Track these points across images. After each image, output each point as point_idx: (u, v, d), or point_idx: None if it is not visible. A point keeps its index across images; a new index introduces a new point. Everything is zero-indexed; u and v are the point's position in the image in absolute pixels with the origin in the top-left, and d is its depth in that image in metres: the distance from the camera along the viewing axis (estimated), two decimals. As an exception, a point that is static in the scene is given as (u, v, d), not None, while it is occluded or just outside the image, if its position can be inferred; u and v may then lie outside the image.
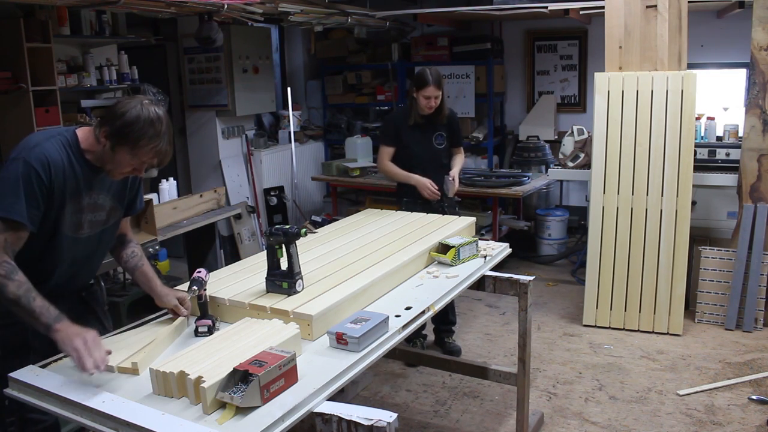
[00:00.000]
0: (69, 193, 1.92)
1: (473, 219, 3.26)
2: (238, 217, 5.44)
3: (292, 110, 6.35)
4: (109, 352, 1.79)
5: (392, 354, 3.02)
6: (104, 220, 2.09)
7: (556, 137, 5.94)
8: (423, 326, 3.57)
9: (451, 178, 3.73)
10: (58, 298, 1.88)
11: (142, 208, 2.33)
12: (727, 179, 4.40)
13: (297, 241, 2.17)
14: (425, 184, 3.63)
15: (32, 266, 1.94)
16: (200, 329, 2.05)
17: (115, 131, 1.84)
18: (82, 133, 1.97)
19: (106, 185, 2.03)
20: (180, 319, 2.08)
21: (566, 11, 5.02)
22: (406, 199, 3.75)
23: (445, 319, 3.91)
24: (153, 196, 4.21)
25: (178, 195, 4.66)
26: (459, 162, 3.87)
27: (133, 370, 1.80)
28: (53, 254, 2.00)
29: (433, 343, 4.06)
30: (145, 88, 4.69)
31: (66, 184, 1.90)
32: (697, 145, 4.49)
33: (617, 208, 4.21)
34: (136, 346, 1.93)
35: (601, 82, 4.23)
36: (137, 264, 2.23)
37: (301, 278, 2.19)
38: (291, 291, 2.15)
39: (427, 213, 3.35)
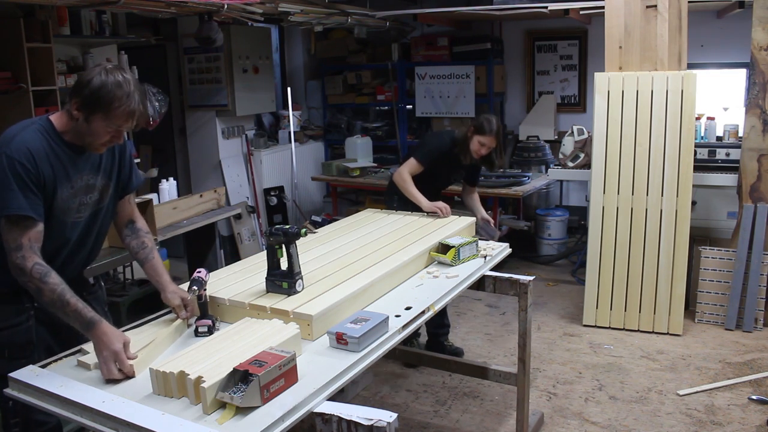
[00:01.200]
0: (58, 178, 1.91)
1: (473, 219, 3.26)
2: (238, 217, 5.44)
3: (292, 110, 6.35)
4: (135, 357, 1.82)
5: (392, 354, 3.03)
6: (98, 199, 2.07)
7: (556, 137, 5.95)
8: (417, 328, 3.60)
9: (491, 222, 3.73)
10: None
11: (141, 183, 2.28)
12: (727, 179, 4.40)
13: (297, 241, 2.17)
14: (435, 207, 3.36)
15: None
16: (200, 329, 2.04)
17: (85, 100, 1.83)
18: (55, 117, 1.95)
19: (93, 164, 2.01)
20: (179, 321, 2.08)
21: (566, 11, 5.02)
22: (396, 205, 3.65)
23: (440, 323, 3.86)
24: (153, 196, 4.21)
25: (178, 195, 4.66)
26: (478, 201, 3.88)
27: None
28: (50, 242, 1.96)
29: (426, 347, 3.97)
30: (145, 89, 4.69)
31: (53, 169, 1.89)
32: (697, 145, 4.49)
33: (617, 208, 4.21)
34: (134, 347, 1.93)
35: (601, 82, 4.23)
36: (147, 257, 2.20)
37: (301, 278, 2.19)
38: (291, 291, 2.15)
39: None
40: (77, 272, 2.16)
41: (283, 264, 2.18)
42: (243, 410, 1.57)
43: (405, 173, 3.57)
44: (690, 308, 4.37)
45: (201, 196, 4.56)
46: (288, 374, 1.66)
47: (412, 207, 3.48)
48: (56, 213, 1.94)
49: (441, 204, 3.35)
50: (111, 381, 1.76)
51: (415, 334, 3.95)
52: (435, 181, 3.70)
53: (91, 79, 1.82)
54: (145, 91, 1.97)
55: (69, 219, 2.00)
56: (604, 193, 4.25)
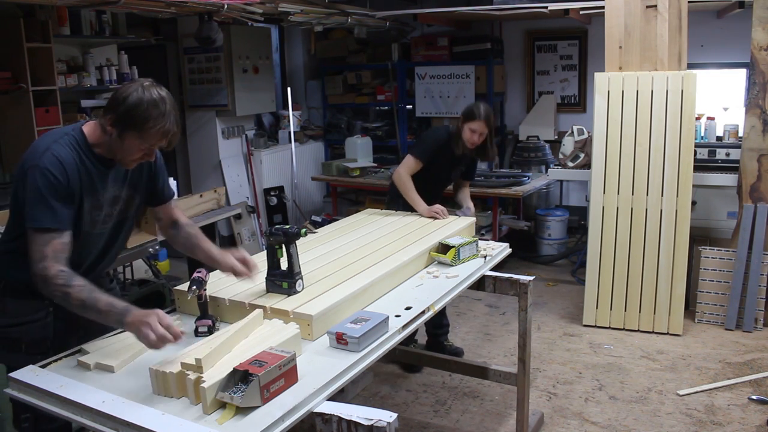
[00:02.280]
0: (86, 190, 1.92)
1: (473, 219, 3.26)
2: (238, 217, 5.44)
3: (292, 110, 6.35)
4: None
5: (392, 354, 3.03)
6: (122, 209, 2.08)
7: (556, 137, 5.95)
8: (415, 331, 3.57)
9: (471, 211, 3.61)
10: None
11: (173, 194, 2.31)
12: (727, 179, 4.40)
13: (297, 241, 2.17)
14: (432, 212, 3.30)
15: None
16: (200, 329, 2.05)
17: (120, 117, 1.83)
18: (88, 128, 1.96)
19: (120, 176, 2.02)
20: (249, 317, 2.01)
21: (566, 11, 5.02)
22: (401, 208, 3.58)
23: (439, 323, 3.84)
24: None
25: (178, 195, 4.66)
26: (468, 194, 3.79)
27: (108, 367, 1.80)
28: (74, 251, 1.97)
29: (426, 348, 3.93)
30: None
31: (82, 182, 1.90)
32: (697, 145, 4.49)
33: (617, 208, 4.21)
34: (136, 347, 1.92)
35: (601, 82, 4.23)
36: (194, 243, 2.21)
37: (301, 278, 2.19)
38: (291, 291, 2.15)
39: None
40: (98, 278, 2.19)
41: (283, 264, 2.18)
42: (243, 410, 1.57)
43: (404, 174, 3.49)
44: (690, 308, 4.37)
45: (201, 196, 4.56)
46: (288, 374, 1.66)
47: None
48: (82, 225, 1.96)
49: (438, 208, 3.30)
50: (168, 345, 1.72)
51: (411, 338, 3.90)
52: (436, 180, 3.64)
53: (127, 96, 1.82)
54: (177, 109, 1.95)
55: (94, 230, 2.02)
56: (604, 193, 4.25)
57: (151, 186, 2.17)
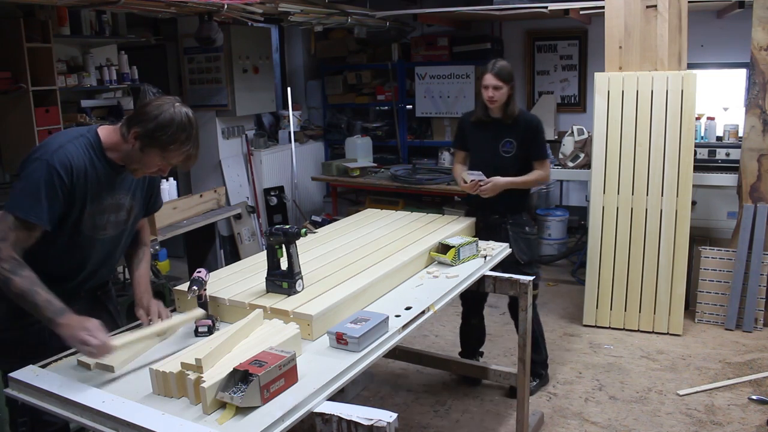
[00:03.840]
0: (90, 195, 1.93)
1: (473, 219, 3.26)
2: (238, 217, 5.44)
3: (292, 110, 6.35)
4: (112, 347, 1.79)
5: (392, 355, 3.03)
6: (125, 219, 2.10)
7: (556, 137, 5.94)
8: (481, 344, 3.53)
9: (480, 179, 3.19)
10: (76, 298, 1.88)
11: (161, 206, 2.34)
12: (727, 179, 4.40)
13: (297, 241, 2.17)
14: (469, 184, 3.17)
15: (56, 267, 1.96)
16: (200, 329, 2.05)
17: (147, 133, 1.84)
18: (104, 131, 1.96)
19: (126, 184, 2.04)
20: (161, 325, 2.04)
21: (566, 11, 5.02)
22: (468, 208, 3.48)
23: (481, 339, 3.76)
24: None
25: (178, 195, 4.66)
26: (528, 176, 3.27)
27: (109, 367, 1.80)
28: (75, 255, 2.01)
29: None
30: (145, 88, 4.69)
31: (87, 186, 1.91)
32: (697, 145, 4.49)
33: (617, 208, 4.21)
34: (136, 347, 1.93)
35: (601, 82, 4.23)
36: (135, 266, 2.25)
37: (301, 278, 2.19)
38: (291, 291, 2.15)
39: (486, 231, 3.20)
40: (100, 283, 2.21)
41: (283, 264, 2.18)
42: (243, 410, 1.57)
43: (454, 166, 3.53)
44: (690, 308, 4.37)
45: (201, 196, 4.56)
46: (288, 374, 1.66)
47: (480, 225, 3.28)
48: (82, 228, 1.97)
49: (471, 177, 3.17)
50: (102, 358, 1.75)
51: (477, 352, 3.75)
52: (480, 159, 3.34)
53: (159, 114, 1.83)
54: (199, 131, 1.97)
55: (96, 235, 2.03)
56: (604, 193, 4.25)
57: (147, 196, 2.19)
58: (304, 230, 2.17)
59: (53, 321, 1.77)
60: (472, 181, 3.20)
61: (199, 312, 2.06)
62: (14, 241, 1.80)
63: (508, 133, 3.27)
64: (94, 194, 1.94)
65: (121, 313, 2.37)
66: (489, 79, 3.18)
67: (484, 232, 3.22)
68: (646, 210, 4.15)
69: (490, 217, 3.32)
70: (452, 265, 2.65)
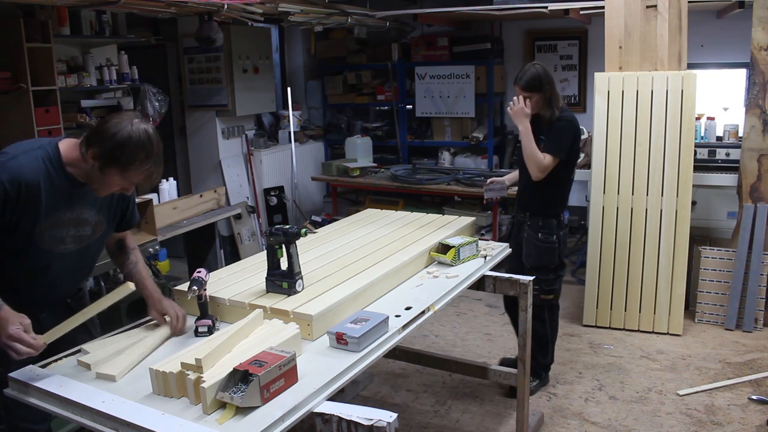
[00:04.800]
0: (44, 208, 1.88)
1: (473, 219, 3.26)
2: (238, 217, 5.44)
3: (292, 110, 6.35)
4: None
5: (392, 355, 3.03)
6: (89, 234, 2.06)
7: (556, 137, 5.94)
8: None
9: (498, 183, 3.39)
10: (41, 308, 1.86)
11: (138, 222, 2.30)
12: (727, 179, 4.40)
13: (297, 241, 2.17)
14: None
15: (16, 276, 1.94)
16: (200, 329, 2.05)
17: (105, 153, 1.80)
18: (64, 146, 1.91)
19: (90, 199, 1.99)
20: (162, 330, 2.05)
21: (566, 11, 5.02)
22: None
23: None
24: (153, 196, 4.20)
25: (178, 195, 4.66)
26: (534, 146, 3.19)
27: (110, 377, 1.79)
28: (33, 266, 1.97)
29: None
30: (145, 88, 4.69)
31: (40, 199, 1.86)
32: (697, 145, 4.49)
33: (617, 208, 4.21)
34: (136, 352, 1.92)
35: (601, 82, 4.22)
36: (132, 270, 2.23)
37: (301, 278, 2.19)
38: (291, 291, 2.15)
39: (514, 228, 3.29)
40: (68, 292, 2.19)
41: (283, 264, 2.18)
42: (243, 410, 1.57)
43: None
44: (690, 308, 4.37)
45: (201, 196, 4.56)
46: (288, 374, 1.66)
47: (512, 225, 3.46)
48: (38, 240, 1.92)
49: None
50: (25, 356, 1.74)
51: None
52: (521, 159, 3.36)
53: (115, 132, 1.79)
54: (162, 147, 1.94)
55: (54, 249, 1.98)
56: (604, 193, 4.25)
57: (119, 212, 2.16)
58: (304, 230, 2.17)
59: None
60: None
61: (124, 287, 2.00)
62: None
63: (542, 133, 3.23)
64: (48, 207, 1.88)
65: (95, 319, 2.34)
66: (519, 91, 3.19)
67: (513, 227, 3.42)
68: (646, 210, 4.15)
69: (518, 214, 3.43)
70: (452, 265, 2.65)
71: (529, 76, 3.16)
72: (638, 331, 4.21)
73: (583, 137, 4.90)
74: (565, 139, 3.17)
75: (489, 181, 3.57)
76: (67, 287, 2.19)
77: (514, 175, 3.59)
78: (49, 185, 1.86)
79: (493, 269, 2.78)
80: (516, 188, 3.50)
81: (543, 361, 3.46)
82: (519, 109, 3.21)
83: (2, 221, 1.83)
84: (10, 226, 1.86)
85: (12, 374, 1.80)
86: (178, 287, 2.25)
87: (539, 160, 3.16)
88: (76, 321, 1.85)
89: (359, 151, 6.26)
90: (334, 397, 1.71)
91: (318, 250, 2.69)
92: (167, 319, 2.09)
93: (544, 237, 3.26)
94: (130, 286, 1.96)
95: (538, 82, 3.15)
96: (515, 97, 3.23)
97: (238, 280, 2.34)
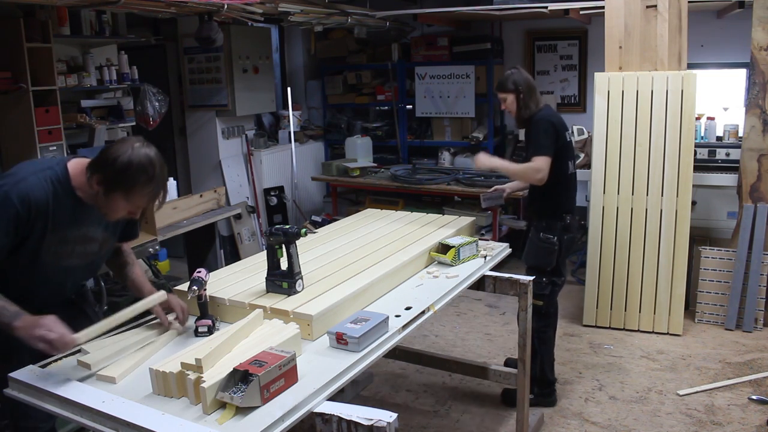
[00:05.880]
0: (51, 226, 1.91)
1: (473, 219, 3.26)
2: (238, 217, 5.44)
3: (292, 110, 6.35)
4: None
5: (392, 355, 3.03)
6: (96, 251, 2.10)
7: (556, 137, 5.93)
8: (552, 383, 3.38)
9: (496, 192, 3.45)
10: (47, 307, 1.88)
11: (136, 236, 2.34)
12: (727, 179, 4.40)
13: (297, 241, 2.17)
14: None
15: (21, 285, 1.95)
16: (200, 329, 2.05)
17: (107, 178, 1.83)
18: (73, 168, 1.94)
19: (96, 218, 2.01)
20: (168, 333, 2.06)
21: (566, 11, 5.02)
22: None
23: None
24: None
25: (178, 195, 4.66)
26: (515, 165, 3.24)
27: (110, 378, 1.79)
28: (38, 278, 2.00)
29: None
30: (145, 88, 4.69)
31: (48, 219, 1.89)
32: (697, 145, 4.49)
33: (617, 208, 4.21)
34: (125, 351, 1.92)
35: (601, 82, 4.22)
36: (128, 274, 2.25)
37: (301, 278, 2.19)
38: (291, 291, 2.15)
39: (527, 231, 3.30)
40: (69, 295, 2.21)
41: (283, 264, 2.18)
42: (243, 410, 1.57)
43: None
44: (690, 308, 4.37)
45: (201, 196, 4.56)
46: (288, 374, 1.66)
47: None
48: (43, 255, 1.96)
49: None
50: (65, 351, 1.77)
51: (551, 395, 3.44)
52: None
53: (116, 157, 1.82)
54: (166, 170, 1.95)
55: (60, 263, 2.01)
56: (604, 193, 4.25)
57: (122, 224, 2.18)
58: (304, 230, 2.17)
59: (11, 326, 1.78)
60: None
61: (159, 295, 2.05)
62: None
63: (526, 137, 3.28)
64: (55, 226, 1.92)
65: (99, 315, 2.36)
66: (499, 95, 3.29)
67: (527, 232, 3.41)
68: (646, 210, 4.15)
69: (528, 219, 3.48)
70: (452, 265, 2.65)
71: (502, 79, 3.24)
72: (638, 331, 4.21)
73: (583, 137, 4.91)
74: (543, 135, 3.11)
75: (491, 190, 3.61)
76: (71, 291, 2.22)
77: (516, 183, 3.63)
78: (57, 206, 1.91)
79: (493, 269, 2.78)
80: (519, 192, 3.53)
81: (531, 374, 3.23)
82: (479, 159, 3.27)
83: (13, 240, 1.88)
84: (17, 240, 1.90)
85: (12, 374, 1.80)
86: (178, 287, 2.25)
87: (529, 169, 3.11)
88: (108, 325, 1.90)
89: (359, 151, 6.25)
90: (334, 397, 1.71)
91: (318, 250, 2.69)
92: (170, 318, 2.10)
93: (545, 237, 3.23)
94: (164, 294, 2.03)
95: (509, 83, 3.20)
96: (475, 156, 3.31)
97: (238, 280, 2.34)
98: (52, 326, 1.75)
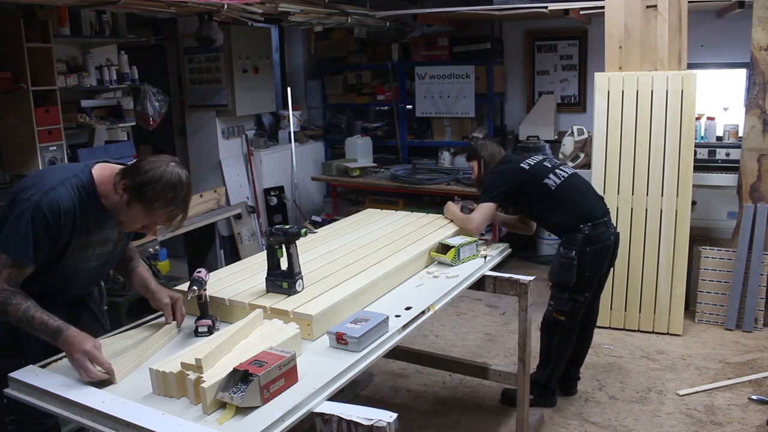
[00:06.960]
0: (77, 232, 1.94)
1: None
2: (238, 217, 5.44)
3: (292, 110, 6.35)
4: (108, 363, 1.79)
5: (392, 354, 3.03)
6: (110, 251, 2.12)
7: (556, 137, 5.94)
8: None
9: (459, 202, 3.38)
10: (54, 309, 1.89)
11: (146, 234, 2.35)
12: (727, 179, 4.40)
13: (297, 241, 2.17)
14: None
15: (37, 286, 1.96)
16: (200, 329, 2.05)
17: (133, 186, 1.84)
18: (99, 173, 1.96)
19: (113, 220, 2.03)
20: (166, 327, 2.07)
21: (566, 11, 5.02)
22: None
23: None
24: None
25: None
26: (463, 215, 3.19)
27: (109, 380, 1.78)
28: (55, 281, 2.03)
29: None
30: (145, 88, 4.69)
31: (75, 226, 1.92)
32: (697, 145, 4.49)
33: (617, 208, 4.21)
34: (137, 355, 1.92)
35: (601, 82, 4.22)
36: (132, 267, 2.25)
37: (301, 278, 2.19)
38: (291, 291, 2.15)
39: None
40: (80, 294, 2.23)
41: (283, 264, 2.18)
42: (243, 410, 1.57)
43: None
44: (690, 308, 4.37)
45: (201, 196, 4.56)
46: (288, 374, 1.66)
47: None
48: (65, 260, 1.98)
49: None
50: (92, 383, 1.74)
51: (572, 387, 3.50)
52: None
53: (149, 170, 1.83)
54: (191, 192, 1.95)
55: (79, 266, 2.04)
56: (604, 193, 4.24)
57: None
58: (304, 230, 2.17)
59: (55, 339, 1.80)
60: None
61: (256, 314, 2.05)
62: (6, 277, 1.83)
63: None
64: (80, 232, 1.95)
65: (104, 312, 2.38)
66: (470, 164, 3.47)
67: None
68: (646, 210, 4.15)
69: None
70: (452, 265, 2.65)
71: (468, 151, 3.48)
72: (638, 331, 4.21)
73: (582, 137, 4.91)
74: (488, 186, 3.22)
75: (460, 202, 3.45)
76: (83, 291, 2.24)
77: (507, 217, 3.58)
78: (82, 212, 1.93)
79: (493, 269, 2.78)
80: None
81: (535, 377, 3.27)
82: (447, 210, 3.27)
83: (49, 252, 1.90)
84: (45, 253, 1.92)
85: (12, 374, 1.81)
86: (178, 287, 2.26)
87: (464, 220, 3.12)
88: (146, 352, 1.92)
89: (359, 151, 6.25)
90: (334, 397, 1.71)
91: (318, 250, 2.69)
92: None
93: (563, 252, 3.13)
94: (260, 313, 2.05)
95: (473, 152, 3.41)
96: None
97: (238, 280, 2.34)
98: (94, 355, 1.76)
